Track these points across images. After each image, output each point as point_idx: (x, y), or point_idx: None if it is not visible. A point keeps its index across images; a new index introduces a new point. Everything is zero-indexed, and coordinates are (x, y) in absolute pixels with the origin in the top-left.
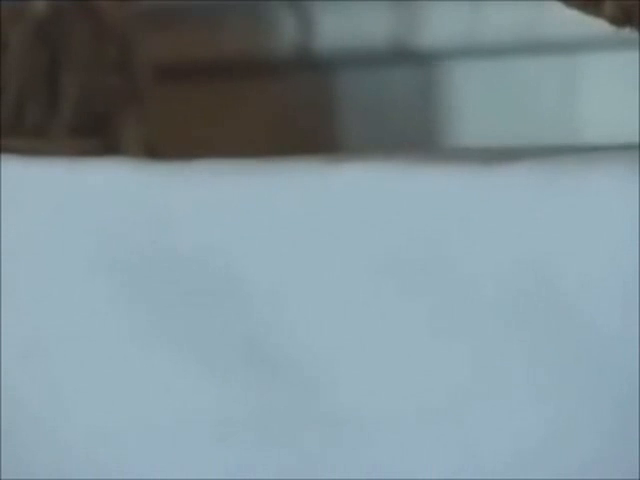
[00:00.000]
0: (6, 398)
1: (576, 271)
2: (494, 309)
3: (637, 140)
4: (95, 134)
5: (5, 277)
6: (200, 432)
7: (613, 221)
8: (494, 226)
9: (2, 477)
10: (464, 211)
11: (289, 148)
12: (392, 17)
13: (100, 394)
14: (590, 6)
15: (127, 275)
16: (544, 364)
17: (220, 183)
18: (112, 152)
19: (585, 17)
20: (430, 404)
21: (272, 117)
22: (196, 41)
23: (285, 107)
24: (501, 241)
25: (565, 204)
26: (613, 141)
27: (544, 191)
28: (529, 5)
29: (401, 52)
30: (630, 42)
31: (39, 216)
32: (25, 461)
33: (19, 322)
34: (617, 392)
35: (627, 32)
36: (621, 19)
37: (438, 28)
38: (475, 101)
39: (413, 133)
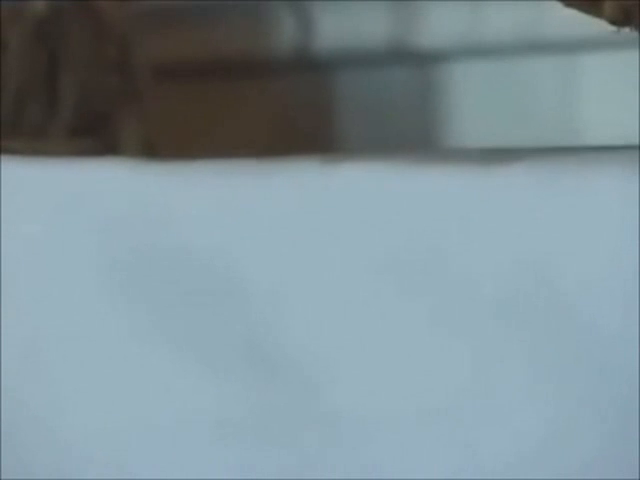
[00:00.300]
0: (6, 398)
1: (576, 271)
2: (494, 309)
3: (637, 140)
4: (94, 134)
5: (5, 277)
6: (200, 432)
7: (613, 221)
8: (494, 226)
9: (2, 477)
10: (464, 211)
11: (288, 148)
12: (391, 17)
13: (100, 394)
14: (590, 6)
15: (127, 275)
16: (544, 364)
17: (219, 183)
18: (111, 152)
19: (585, 17)
20: (430, 404)
21: (271, 117)
22: (196, 41)
23: (284, 107)
24: (501, 241)
25: (565, 204)
26: (613, 141)
27: (544, 191)
28: (529, 5)
29: (400, 52)
30: (630, 42)
31: (39, 216)
32: (25, 461)
33: (19, 322)
34: (617, 392)
35: (627, 32)
36: (621, 19)
37: (437, 28)
38: (474, 101)
39: (412, 133)
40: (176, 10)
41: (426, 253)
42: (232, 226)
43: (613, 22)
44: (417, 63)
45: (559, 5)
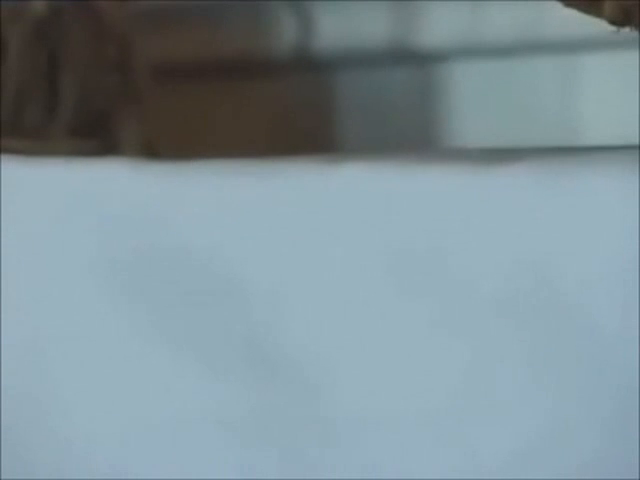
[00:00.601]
0: (6, 398)
1: (576, 271)
2: (494, 309)
3: (637, 140)
4: (94, 134)
5: (5, 277)
6: (200, 432)
7: (613, 221)
8: (494, 226)
9: (2, 477)
10: (464, 211)
11: (288, 148)
12: (391, 17)
13: (100, 394)
14: (589, 6)
15: (126, 275)
16: (544, 364)
17: (219, 183)
18: (111, 152)
19: (585, 17)
20: (430, 404)
21: (271, 117)
22: (196, 41)
23: (284, 107)
24: (501, 241)
25: (565, 204)
26: (613, 141)
27: (544, 191)
28: (529, 5)
29: (400, 52)
30: (630, 42)
31: (39, 217)
32: (25, 461)
33: (19, 322)
34: (617, 392)
35: (627, 32)
36: (621, 19)
37: (437, 28)
38: (474, 101)
39: (413, 133)
40: (176, 10)
41: (426, 253)
42: (232, 226)
43: (613, 22)
44: (417, 63)
45: (559, 5)
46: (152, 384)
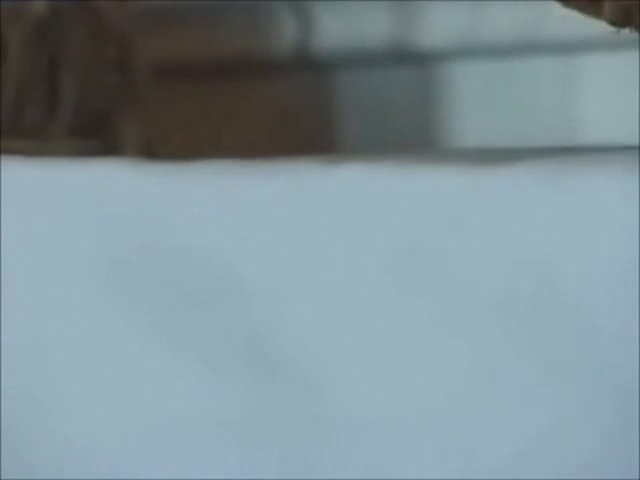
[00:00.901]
0: (6, 398)
1: (576, 271)
2: (494, 309)
3: (637, 141)
4: (94, 134)
5: (5, 278)
6: (200, 432)
7: (613, 222)
8: (494, 226)
9: (2, 477)
10: (464, 211)
11: (288, 148)
12: (391, 17)
13: (100, 394)
14: (589, 7)
15: (127, 276)
16: (544, 364)
17: (220, 183)
18: (111, 152)
19: (584, 18)
20: (430, 404)
21: (271, 117)
22: (196, 41)
23: (284, 107)
24: (501, 241)
25: (565, 204)
26: (613, 142)
27: (544, 192)
28: (528, 6)
29: (400, 52)
30: (630, 43)
31: (39, 217)
32: (25, 461)
33: (19, 322)
34: (617, 392)
35: (627, 33)
36: (620, 20)
37: (437, 28)
38: (474, 102)
39: (412, 134)
40: (176, 10)
41: (426, 253)
42: (232, 226)
43: (613, 23)
44: (417, 63)
45: (559, 6)
46: (152, 384)
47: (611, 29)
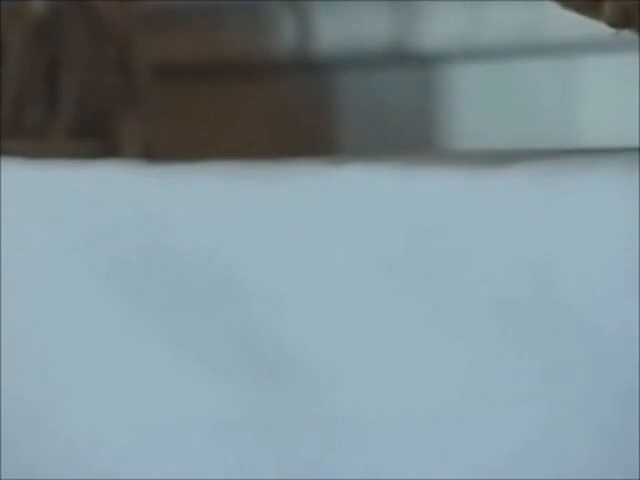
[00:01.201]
0: (6, 398)
1: (576, 272)
2: (494, 310)
3: (637, 142)
4: (94, 135)
5: (5, 278)
6: (199, 432)
7: (613, 223)
8: (494, 227)
9: (2, 477)
10: (464, 213)
11: (288, 149)
12: (391, 19)
13: (100, 394)
14: (589, 8)
15: (127, 276)
16: (544, 364)
17: (219, 185)
18: (111, 153)
19: (584, 19)
20: (430, 404)
21: (271, 118)
22: (196, 42)
23: (284, 108)
24: (501, 242)
25: (565, 206)
26: (613, 143)
27: (544, 193)
28: (528, 7)
29: (400, 54)
30: (630, 44)
31: (39, 218)
32: (25, 461)
33: (19, 323)
34: (617, 392)
35: (626, 34)
36: (620, 21)
37: (437, 30)
38: (474, 103)
39: (412, 135)
40: (176, 11)
41: (426, 254)
42: (232, 227)
43: (612, 24)
44: (417, 65)
45: (559, 7)
46: (152, 384)
47: (611, 31)
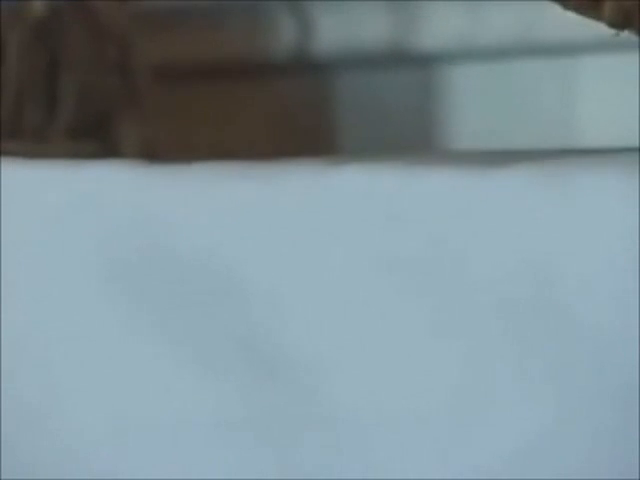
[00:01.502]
0: (6, 398)
1: (576, 272)
2: (494, 310)
3: (636, 143)
4: (94, 135)
5: (5, 278)
6: (199, 432)
7: (613, 223)
8: (494, 228)
9: (2, 477)
10: (464, 213)
11: (288, 150)
12: (391, 19)
13: (99, 394)
14: (589, 9)
15: (127, 277)
16: (544, 364)
17: (219, 185)
18: (111, 153)
19: (584, 20)
20: (429, 404)
21: (271, 119)
22: (196, 42)
23: (284, 109)
24: (501, 242)
25: (565, 206)
26: (613, 143)
27: (544, 193)
28: (528, 8)
29: (400, 54)
30: (629, 45)
31: (39, 219)
32: (25, 461)
33: (19, 323)
34: (617, 392)
35: (626, 35)
36: (620, 22)
37: (437, 30)
38: (474, 103)
39: (412, 135)
40: (176, 11)
41: (426, 255)
42: (232, 228)
43: (612, 25)
44: (417, 65)
45: (558, 8)
46: (151, 384)
47: (611, 31)
